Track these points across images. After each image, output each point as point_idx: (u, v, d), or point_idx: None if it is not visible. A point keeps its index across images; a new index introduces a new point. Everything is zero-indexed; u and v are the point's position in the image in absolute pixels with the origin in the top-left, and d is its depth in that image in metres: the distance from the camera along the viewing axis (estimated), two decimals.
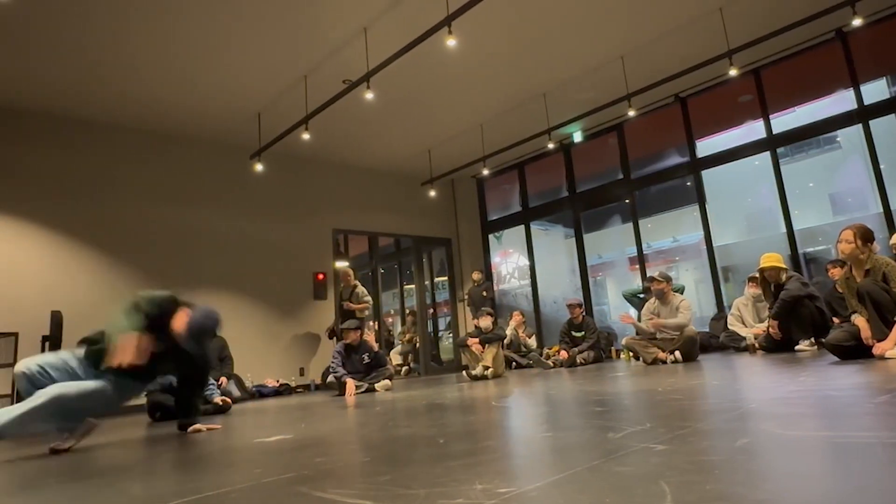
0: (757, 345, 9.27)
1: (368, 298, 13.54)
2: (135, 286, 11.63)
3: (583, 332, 12.07)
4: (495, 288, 17.18)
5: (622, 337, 11.13)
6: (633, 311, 11.97)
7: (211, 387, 8.29)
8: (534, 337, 14.22)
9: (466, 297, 16.22)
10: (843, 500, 1.53)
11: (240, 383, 11.18)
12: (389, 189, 16.38)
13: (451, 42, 8.42)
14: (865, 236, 6.07)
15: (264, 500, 2.27)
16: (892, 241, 8.68)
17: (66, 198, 11.31)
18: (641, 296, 12.34)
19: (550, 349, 13.20)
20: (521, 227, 16.93)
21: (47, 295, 10.66)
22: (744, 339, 10.00)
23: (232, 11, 8.92)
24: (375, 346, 10.59)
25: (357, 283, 13.72)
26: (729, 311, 11.05)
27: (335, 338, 13.40)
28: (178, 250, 12.42)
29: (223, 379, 10.20)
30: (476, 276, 15.55)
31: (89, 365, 5.02)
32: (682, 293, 10.74)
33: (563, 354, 11.72)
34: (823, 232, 17.02)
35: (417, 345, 17.12)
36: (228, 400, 8.43)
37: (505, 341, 12.78)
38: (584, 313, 12.44)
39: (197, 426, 5.49)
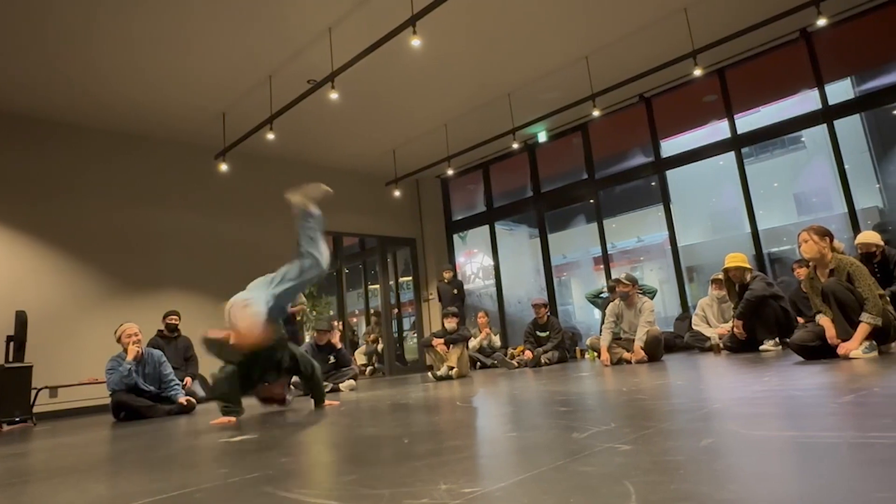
0: (721, 345, 9.30)
1: (303, 300, 13.42)
2: (100, 286, 11.60)
3: (547, 332, 12.07)
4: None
5: (587, 337, 11.15)
6: (596, 313, 11.97)
7: (176, 387, 8.25)
8: (498, 336, 14.21)
9: (436, 291, 16.18)
10: (807, 500, 1.54)
11: (205, 383, 11.10)
12: (354, 189, 16.31)
13: (415, 42, 8.44)
14: (821, 232, 6.11)
15: (229, 499, 2.25)
16: (857, 241, 8.74)
17: (31, 198, 11.19)
18: (604, 296, 12.38)
19: (515, 349, 13.21)
20: (486, 227, 16.95)
21: (12, 295, 10.52)
22: (708, 339, 10.03)
23: (196, 11, 8.85)
24: (339, 345, 10.56)
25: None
26: (693, 311, 11.09)
27: None
28: (144, 250, 12.35)
29: (188, 379, 10.12)
30: (447, 274, 15.51)
31: None
32: (654, 296, 10.81)
33: (528, 354, 11.72)
34: (788, 232, 17.17)
35: (380, 347, 17.06)
36: (193, 400, 8.40)
37: (472, 344, 12.83)
38: (548, 313, 12.44)
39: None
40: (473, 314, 14.81)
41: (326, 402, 6.62)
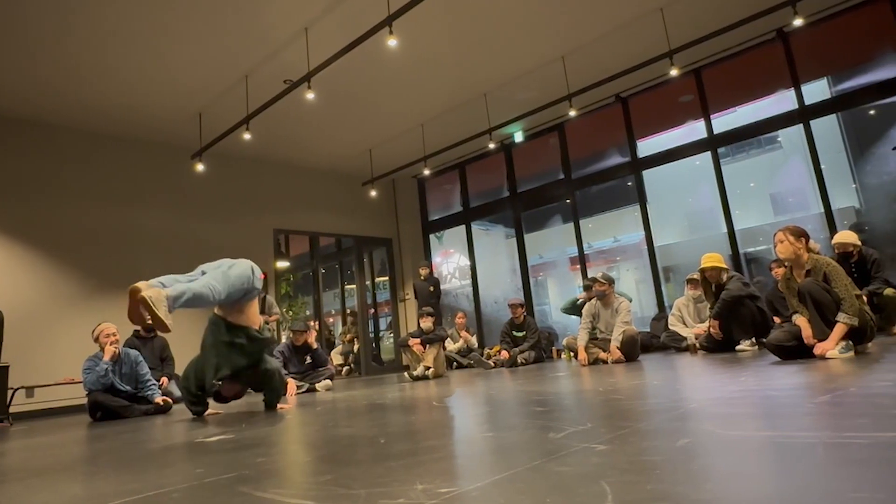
0: (698, 345, 9.30)
1: (277, 310, 13.35)
2: (77, 286, 11.56)
3: (524, 332, 12.07)
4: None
5: (563, 337, 11.16)
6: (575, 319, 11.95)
7: (152, 387, 8.22)
8: (475, 337, 14.21)
9: (412, 291, 16.16)
10: (784, 500, 1.54)
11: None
12: (330, 189, 16.31)
13: (392, 42, 8.43)
14: (796, 233, 6.12)
15: (205, 499, 2.24)
16: (834, 241, 8.79)
17: (6, 198, 11.13)
18: (579, 302, 12.37)
19: (491, 349, 13.20)
20: (462, 227, 16.97)
21: None
22: (685, 339, 10.02)
23: (172, 10, 8.79)
24: (315, 345, 10.53)
25: (266, 293, 13.55)
26: (670, 311, 11.10)
27: None
28: (120, 250, 12.31)
29: (164, 379, 10.08)
30: (423, 271, 15.47)
31: None
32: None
33: (504, 354, 11.72)
34: (764, 232, 17.20)
35: (357, 347, 17.04)
36: (169, 400, 8.41)
37: (454, 347, 12.85)
38: (525, 313, 12.44)
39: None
40: (450, 314, 14.82)
41: (280, 405, 6.63)
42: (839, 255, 8.54)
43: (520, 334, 12.10)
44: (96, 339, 8.08)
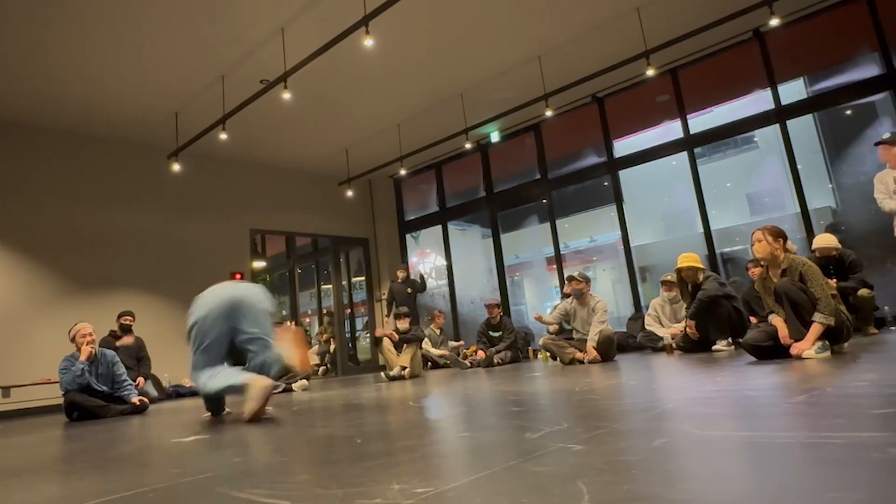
0: (674, 345, 9.30)
1: None
2: (53, 286, 11.51)
3: (500, 332, 12.08)
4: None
5: (539, 337, 11.18)
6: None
7: (129, 387, 8.18)
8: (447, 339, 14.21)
9: (387, 292, 16.12)
10: (760, 500, 1.54)
11: (157, 383, 11.10)
12: (307, 189, 16.29)
13: (368, 42, 8.42)
14: (775, 233, 6.13)
15: (182, 500, 2.24)
16: (815, 246, 8.81)
17: None
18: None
19: (468, 349, 13.20)
20: (439, 228, 16.95)
21: None
22: (661, 339, 10.03)
23: (148, 9, 8.73)
24: None
25: None
26: (646, 311, 11.12)
27: None
28: (96, 250, 12.28)
29: (140, 379, 10.09)
30: (401, 273, 15.44)
31: None
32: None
33: (481, 354, 11.72)
34: (741, 232, 17.31)
35: (333, 346, 17.01)
36: (146, 400, 8.34)
37: (442, 350, 12.88)
38: (501, 313, 12.45)
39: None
40: (426, 314, 14.81)
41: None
42: (820, 259, 8.56)
43: (496, 334, 12.10)
44: (73, 339, 8.03)
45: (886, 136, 7.74)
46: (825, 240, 8.78)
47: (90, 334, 8.05)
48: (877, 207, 7.53)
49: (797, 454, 1.96)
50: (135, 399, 8.08)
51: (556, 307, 10.56)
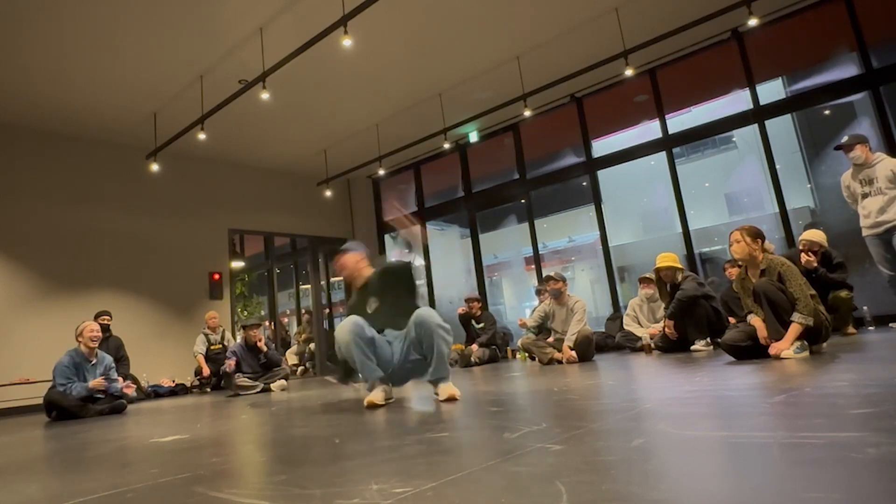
0: (653, 345, 9.32)
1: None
2: (32, 286, 11.47)
3: (482, 324, 12.17)
4: None
5: (518, 337, 11.19)
6: (528, 312, 12.00)
7: (117, 380, 8.20)
8: None
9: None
10: (739, 500, 1.54)
11: (136, 383, 11.03)
12: (285, 189, 16.26)
13: (346, 42, 8.40)
14: (753, 233, 6.15)
15: (160, 500, 2.24)
16: (802, 238, 8.84)
17: None
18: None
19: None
20: (417, 227, 16.84)
21: None
22: (640, 339, 10.03)
23: (125, 9, 8.68)
24: (265, 349, 10.47)
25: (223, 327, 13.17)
26: (624, 310, 11.13)
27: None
28: (75, 250, 12.27)
29: (120, 379, 10.05)
30: None
31: None
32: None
33: (458, 346, 11.78)
34: (719, 232, 17.41)
35: (312, 346, 16.97)
36: (132, 387, 8.49)
37: None
38: (481, 307, 12.53)
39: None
40: None
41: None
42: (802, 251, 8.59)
43: (478, 326, 12.17)
44: (80, 335, 8.05)
45: (844, 139, 7.83)
46: (814, 235, 8.80)
47: (97, 331, 8.14)
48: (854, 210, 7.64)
49: (776, 454, 1.97)
50: (127, 389, 8.36)
51: (535, 310, 10.57)
